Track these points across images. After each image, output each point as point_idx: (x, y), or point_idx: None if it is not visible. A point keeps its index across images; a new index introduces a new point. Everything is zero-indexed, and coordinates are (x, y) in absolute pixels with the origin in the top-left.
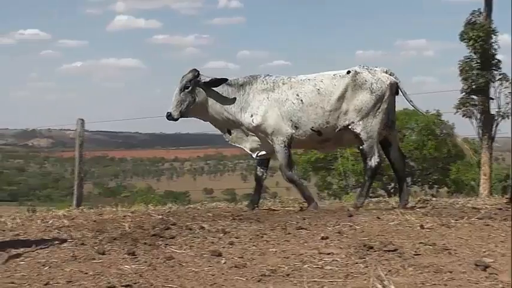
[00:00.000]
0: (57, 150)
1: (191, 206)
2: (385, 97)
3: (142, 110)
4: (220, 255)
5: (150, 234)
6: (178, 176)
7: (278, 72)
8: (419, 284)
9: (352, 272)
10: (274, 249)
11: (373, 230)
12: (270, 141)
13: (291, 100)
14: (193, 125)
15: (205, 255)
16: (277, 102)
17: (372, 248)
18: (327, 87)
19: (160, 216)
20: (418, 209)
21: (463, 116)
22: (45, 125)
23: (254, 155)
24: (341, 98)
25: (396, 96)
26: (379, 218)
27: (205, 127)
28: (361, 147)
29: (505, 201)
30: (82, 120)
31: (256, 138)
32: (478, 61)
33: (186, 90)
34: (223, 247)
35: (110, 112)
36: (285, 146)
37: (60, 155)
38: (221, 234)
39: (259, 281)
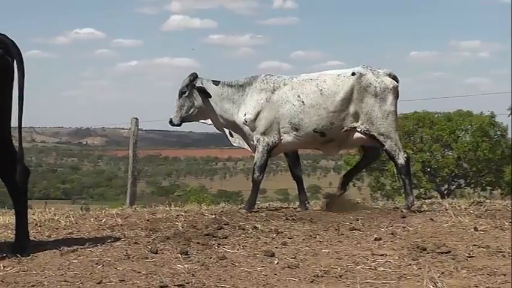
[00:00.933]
0: (111, 149)
1: (244, 205)
2: (389, 100)
3: None
4: (273, 255)
5: (203, 233)
6: (232, 176)
7: None
8: (473, 286)
9: (405, 274)
10: (327, 250)
11: (427, 232)
12: (254, 139)
13: (291, 102)
14: None
15: (258, 255)
16: (276, 104)
17: (425, 249)
18: (330, 88)
19: (213, 216)
20: (471, 211)
21: None
22: (100, 124)
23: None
24: (346, 99)
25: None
26: (432, 219)
27: None
28: (384, 148)
29: None
30: (136, 119)
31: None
32: None
33: (184, 95)
34: (276, 247)
35: (164, 111)
36: (267, 149)
37: (114, 154)
38: (274, 235)
39: (312, 282)
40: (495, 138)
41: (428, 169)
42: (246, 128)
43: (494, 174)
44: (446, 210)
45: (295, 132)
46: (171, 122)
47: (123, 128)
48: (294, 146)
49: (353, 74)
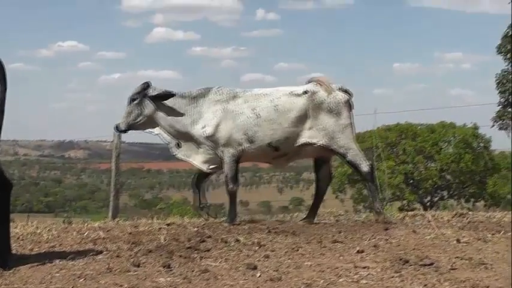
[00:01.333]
0: (94, 162)
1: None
2: (344, 114)
3: None
4: (255, 268)
5: (186, 246)
6: (214, 188)
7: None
8: None
9: (388, 286)
10: (309, 263)
11: (409, 244)
12: (219, 152)
13: (246, 114)
14: None
15: (240, 268)
16: (232, 114)
17: (407, 262)
18: (285, 104)
19: (195, 229)
20: (454, 223)
21: (499, 129)
22: (83, 137)
23: (205, 168)
24: (300, 116)
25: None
26: (414, 231)
27: None
28: (346, 160)
29: None
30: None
31: (208, 151)
32: None
33: (134, 103)
34: (259, 260)
35: None
36: (234, 159)
37: (97, 167)
38: (256, 247)
39: None
40: (478, 149)
41: (411, 181)
42: (206, 141)
43: (478, 186)
44: (429, 222)
45: (249, 145)
46: (117, 128)
47: (105, 141)
48: (247, 159)
49: (305, 92)
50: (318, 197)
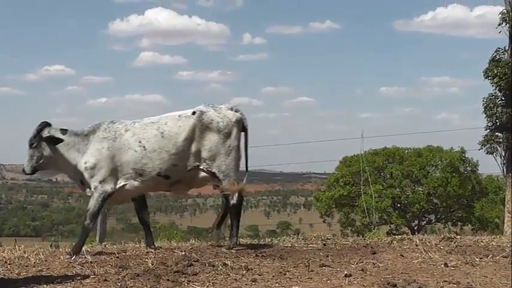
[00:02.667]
0: None
1: (214, 242)
2: (233, 134)
3: None
4: None
5: (173, 270)
6: (202, 212)
7: (304, 108)
8: None
9: None
10: (297, 287)
11: (397, 268)
12: (92, 186)
13: (133, 148)
14: None
15: None
16: (118, 152)
17: (395, 286)
18: (172, 130)
19: (183, 253)
20: (441, 247)
21: (487, 153)
22: None
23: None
24: (188, 139)
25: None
26: (402, 255)
27: None
28: (220, 186)
29: None
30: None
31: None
32: (503, 98)
33: (33, 147)
34: (246, 284)
35: None
36: (102, 198)
37: None
38: (244, 271)
39: None
40: (465, 174)
41: (399, 205)
42: (86, 175)
43: (465, 210)
44: (417, 246)
45: (139, 178)
46: (23, 171)
47: None
48: (139, 191)
49: (193, 113)
50: (225, 214)
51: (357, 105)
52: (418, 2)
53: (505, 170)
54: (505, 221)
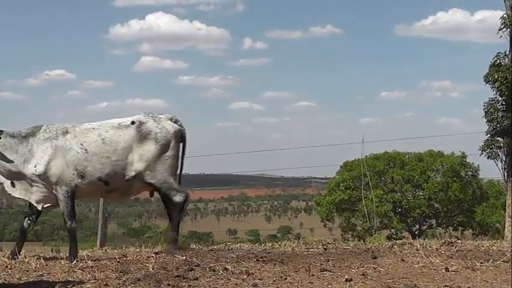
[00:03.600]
0: None
1: (215, 247)
2: (171, 145)
3: None
4: None
5: (174, 275)
6: (202, 217)
7: (305, 113)
8: None
9: None
10: None
11: (398, 273)
12: (53, 190)
13: (75, 149)
14: (217, 166)
15: None
16: (62, 150)
17: None
18: (112, 137)
19: (184, 257)
20: (442, 252)
21: (487, 158)
22: None
23: (40, 207)
24: (127, 148)
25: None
26: (403, 260)
27: (229, 168)
28: (160, 193)
29: None
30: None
31: (42, 189)
32: (503, 103)
33: None
34: None
35: None
36: (68, 195)
37: None
38: (245, 276)
39: None
40: (466, 178)
41: (399, 209)
42: (39, 180)
43: (465, 215)
44: (418, 250)
45: (80, 180)
46: None
47: None
48: (81, 194)
49: (133, 122)
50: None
51: (358, 110)
52: (419, 7)
53: (505, 174)
54: (506, 225)
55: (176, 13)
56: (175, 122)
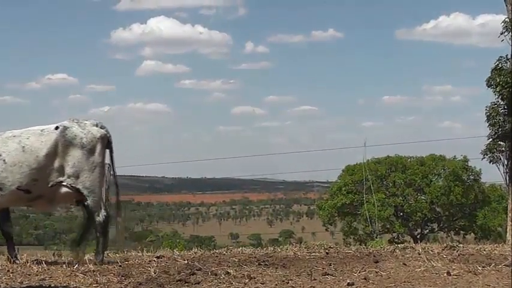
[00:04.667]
0: None
1: (217, 251)
2: (97, 151)
3: (169, 155)
4: None
5: (176, 279)
6: (204, 221)
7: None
8: None
9: None
10: None
11: (399, 277)
12: None
13: None
14: (219, 170)
15: None
16: None
17: None
18: (33, 144)
19: (185, 261)
20: (444, 256)
21: (489, 162)
22: None
23: None
24: (50, 154)
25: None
26: (405, 264)
27: (231, 172)
28: (85, 203)
29: None
30: (108, 164)
31: None
32: (505, 107)
33: None
34: None
35: (136, 156)
36: None
37: None
38: (246, 280)
39: None
40: (468, 182)
41: (401, 213)
42: None
43: (467, 219)
44: (419, 254)
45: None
46: None
47: None
48: (1, 205)
49: (56, 128)
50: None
51: (360, 114)
52: (421, 11)
53: (507, 178)
54: (508, 229)
55: (178, 17)
56: (101, 128)
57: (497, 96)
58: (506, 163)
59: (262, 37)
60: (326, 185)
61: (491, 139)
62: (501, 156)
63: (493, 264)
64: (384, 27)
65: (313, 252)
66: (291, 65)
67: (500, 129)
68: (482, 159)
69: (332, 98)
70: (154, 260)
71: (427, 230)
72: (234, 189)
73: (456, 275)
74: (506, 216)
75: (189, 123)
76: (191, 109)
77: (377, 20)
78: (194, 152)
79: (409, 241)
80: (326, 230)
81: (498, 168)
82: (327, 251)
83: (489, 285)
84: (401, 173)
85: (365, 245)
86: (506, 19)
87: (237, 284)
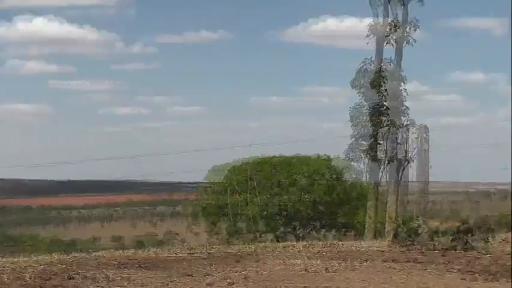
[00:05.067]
0: None
1: (76, 255)
2: None
3: (49, 156)
4: None
5: (52, 284)
6: (66, 224)
7: (192, 118)
8: None
9: None
10: None
11: (279, 275)
12: None
13: None
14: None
15: None
16: None
17: None
18: None
19: (63, 266)
20: (324, 253)
21: (351, 160)
22: None
23: None
24: None
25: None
26: (285, 263)
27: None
28: None
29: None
30: None
31: None
32: (368, 108)
33: None
34: None
35: (13, 158)
36: None
37: None
38: (126, 283)
39: None
40: (331, 181)
41: (285, 212)
42: None
43: (348, 216)
44: (299, 252)
45: None
46: None
47: None
48: None
49: None
50: None
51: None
52: (289, 13)
53: (368, 176)
54: (366, 226)
55: (66, 16)
56: None
57: (360, 97)
58: (367, 162)
59: (151, 38)
60: (193, 185)
61: (354, 139)
62: (362, 155)
63: (370, 260)
64: (257, 29)
65: (195, 253)
66: (179, 65)
67: (363, 129)
68: (346, 158)
69: (222, 99)
70: (30, 265)
71: (309, 228)
72: (98, 192)
73: (334, 272)
74: (366, 214)
75: (69, 124)
76: (74, 110)
77: (250, 22)
78: (74, 153)
79: (292, 240)
80: (190, 231)
81: (360, 167)
82: (209, 251)
83: (365, 280)
84: (267, 173)
85: (248, 245)
86: (371, 22)
87: (115, 287)
